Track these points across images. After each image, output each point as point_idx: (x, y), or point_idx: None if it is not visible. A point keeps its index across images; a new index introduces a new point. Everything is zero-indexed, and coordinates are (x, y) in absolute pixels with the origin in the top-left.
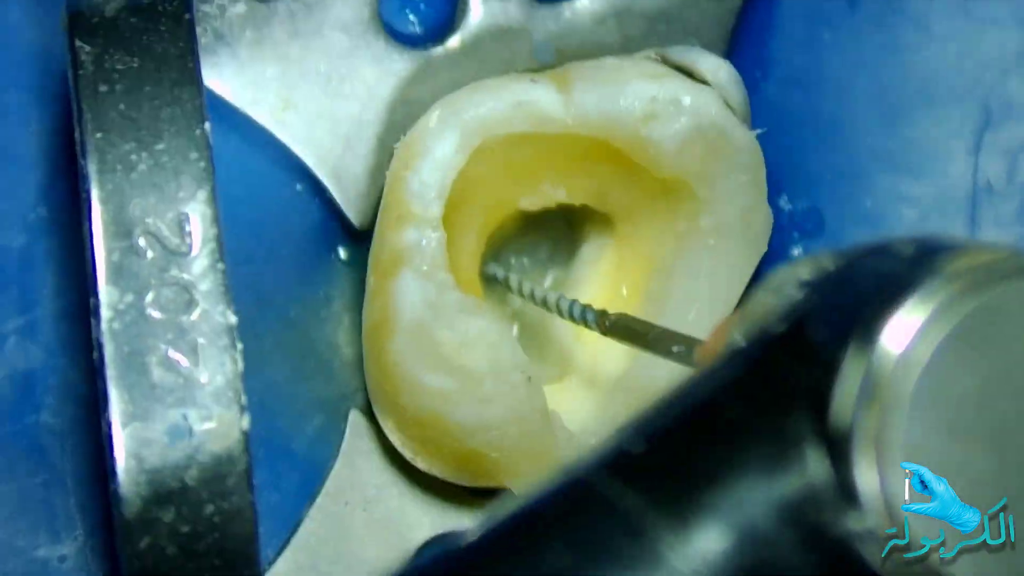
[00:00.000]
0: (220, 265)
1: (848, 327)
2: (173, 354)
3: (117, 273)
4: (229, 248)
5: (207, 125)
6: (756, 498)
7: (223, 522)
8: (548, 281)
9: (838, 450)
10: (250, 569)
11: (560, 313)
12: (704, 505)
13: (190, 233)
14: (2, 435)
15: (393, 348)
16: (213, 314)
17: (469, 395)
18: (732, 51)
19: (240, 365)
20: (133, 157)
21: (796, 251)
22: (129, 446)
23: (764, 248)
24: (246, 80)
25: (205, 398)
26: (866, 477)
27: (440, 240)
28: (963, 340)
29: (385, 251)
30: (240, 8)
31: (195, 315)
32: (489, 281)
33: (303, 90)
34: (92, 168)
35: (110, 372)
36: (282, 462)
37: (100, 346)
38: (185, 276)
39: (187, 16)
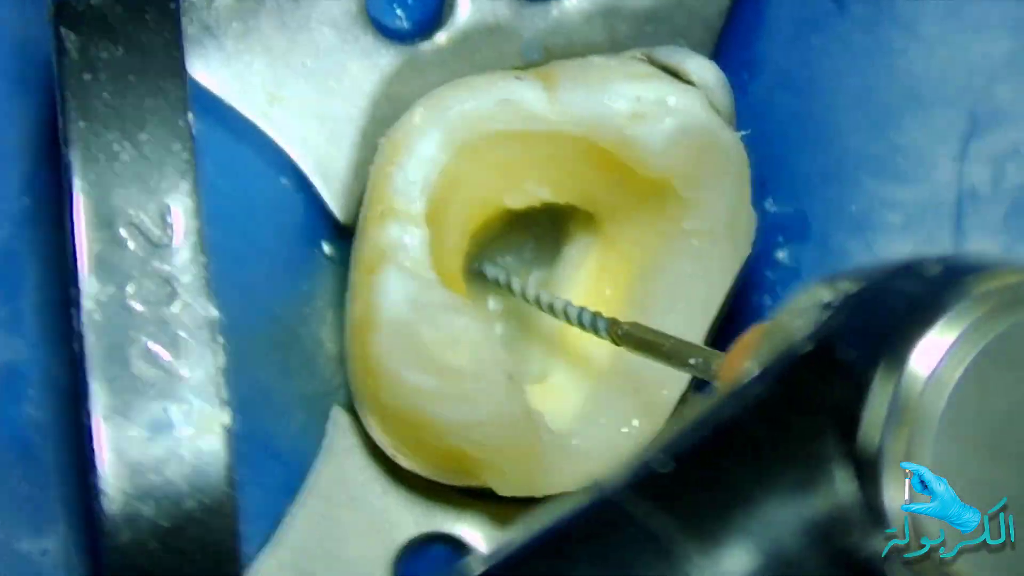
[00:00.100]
0: (202, 258)
1: (877, 348)
2: (154, 347)
3: (99, 264)
4: (213, 242)
5: (190, 116)
6: (783, 519)
7: (204, 517)
8: (531, 281)
9: (866, 471)
10: (231, 565)
11: (568, 320)
12: (731, 525)
13: (172, 225)
14: None
15: (375, 345)
16: (195, 307)
17: (451, 393)
18: (720, 53)
19: (222, 359)
20: (116, 147)
21: (781, 254)
22: (110, 440)
23: (748, 250)
24: (233, 73)
25: (186, 392)
26: (894, 498)
27: (423, 237)
28: (992, 361)
29: (368, 247)
30: (227, 0)
31: (177, 308)
32: (484, 281)
33: (290, 84)
34: (75, 157)
35: (91, 364)
36: (265, 458)
37: (81, 338)
38: (167, 268)
39: (173, 6)
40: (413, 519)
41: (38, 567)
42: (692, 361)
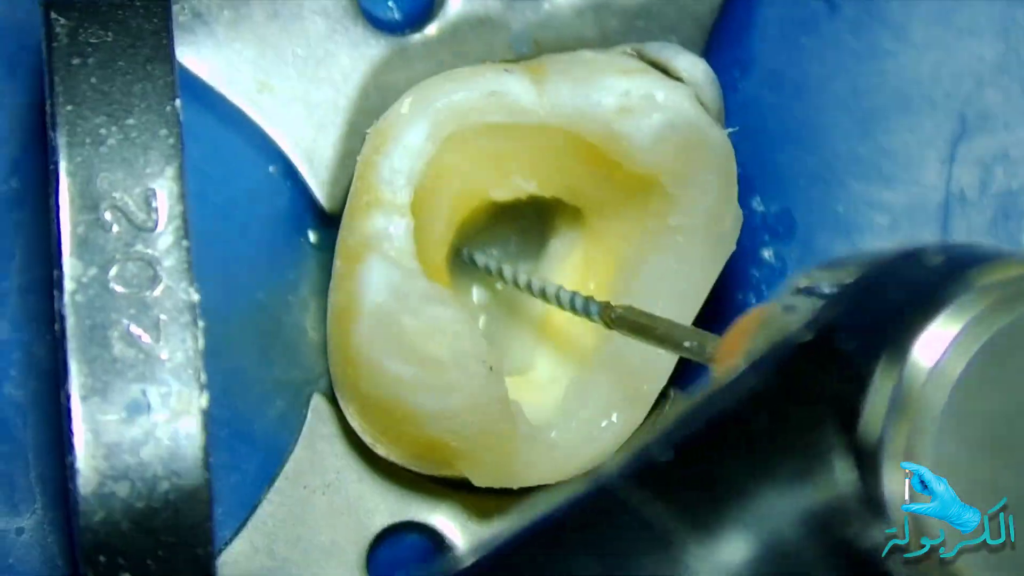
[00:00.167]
0: (185, 242)
1: (878, 338)
2: (135, 329)
3: (82, 246)
4: (198, 228)
5: (178, 102)
6: (782, 509)
7: (179, 500)
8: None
9: (867, 463)
10: (204, 548)
11: (560, 304)
12: (730, 515)
13: (157, 209)
14: None
15: (356, 333)
16: (176, 291)
17: (430, 383)
18: (710, 50)
19: (201, 343)
20: (103, 131)
21: (766, 253)
22: (87, 420)
23: (732, 248)
24: (223, 60)
25: (165, 375)
26: (894, 490)
27: (408, 227)
28: (995, 355)
29: (353, 236)
30: None
31: (158, 291)
32: (469, 272)
33: (279, 72)
34: (61, 140)
35: (71, 345)
36: (243, 444)
37: (62, 318)
38: (150, 252)
39: None
40: (388, 508)
41: (13, 546)
42: (687, 344)
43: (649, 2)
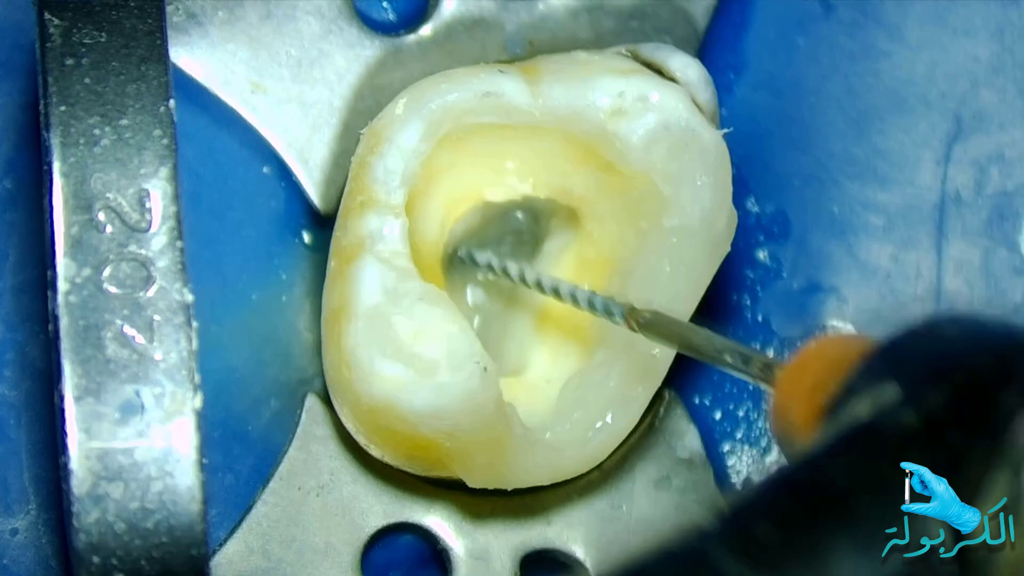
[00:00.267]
0: (179, 243)
1: (989, 442)
2: (128, 330)
3: (76, 246)
4: (193, 229)
5: (172, 102)
6: None
7: (171, 500)
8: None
9: (974, 568)
10: (197, 548)
11: (576, 303)
12: None
13: (150, 209)
14: None
15: (350, 333)
16: (170, 291)
17: (423, 383)
18: (705, 51)
19: (195, 344)
20: (96, 131)
21: (761, 254)
22: (81, 420)
23: (727, 249)
24: (217, 60)
25: (159, 375)
26: None
27: (402, 227)
28: None
29: (347, 236)
30: None
31: (152, 291)
32: (463, 273)
33: (273, 73)
34: (55, 141)
35: (64, 345)
36: (237, 444)
37: (56, 319)
38: (143, 252)
39: None
40: (382, 509)
41: (7, 547)
42: (728, 358)
43: (643, 3)
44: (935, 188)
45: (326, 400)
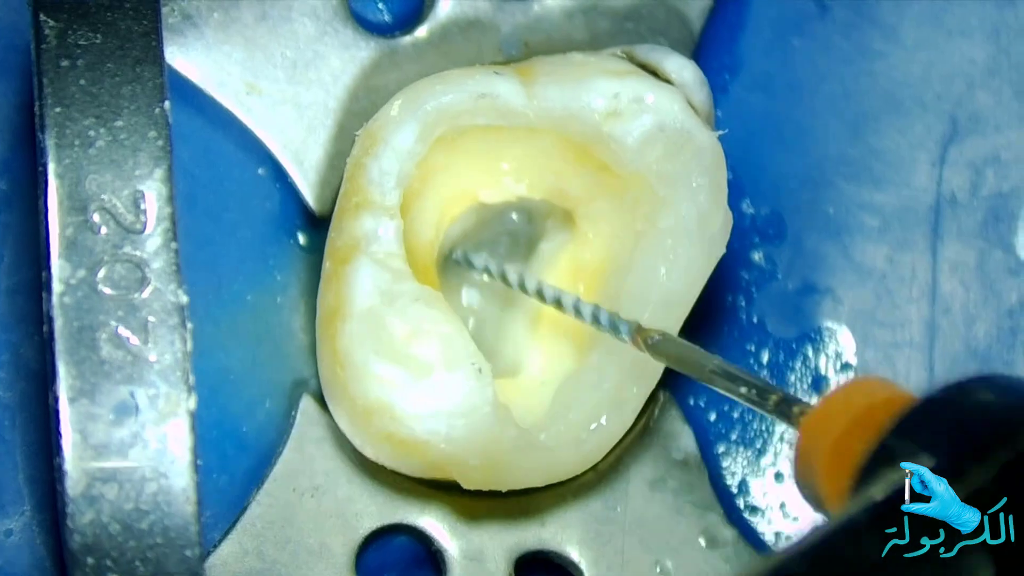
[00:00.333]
0: (174, 244)
1: None
2: (123, 331)
3: (70, 248)
4: (188, 230)
5: (167, 104)
6: None
7: (166, 501)
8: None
9: None
10: (191, 549)
11: (580, 317)
12: None
13: (145, 211)
14: None
15: (345, 334)
16: (164, 293)
17: (418, 385)
18: (701, 53)
19: (190, 345)
20: (91, 133)
21: (756, 255)
22: (75, 421)
23: (722, 251)
24: (212, 62)
25: (153, 377)
26: None
27: (397, 228)
28: None
29: (342, 237)
30: None
31: (146, 293)
32: (459, 275)
33: (269, 74)
34: (50, 142)
35: (59, 347)
36: (232, 445)
37: (50, 320)
38: (138, 253)
39: None
40: (377, 510)
41: (1, 547)
42: (743, 390)
43: (639, 4)
44: (930, 189)
45: (321, 401)
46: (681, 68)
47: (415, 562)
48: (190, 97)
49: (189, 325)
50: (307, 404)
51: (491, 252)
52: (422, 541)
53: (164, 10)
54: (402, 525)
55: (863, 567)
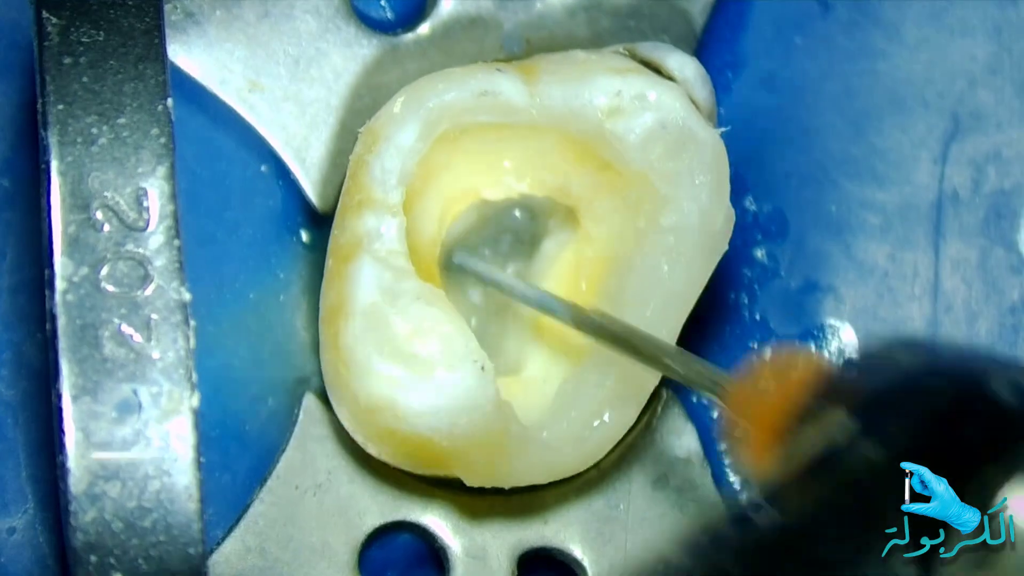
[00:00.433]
0: (176, 241)
1: (955, 484)
2: (126, 329)
3: (73, 245)
4: (191, 228)
5: (169, 101)
6: None
7: (169, 499)
8: (508, 273)
9: None
10: (194, 547)
11: (528, 303)
12: None
13: (148, 208)
14: None
15: (347, 332)
16: (167, 290)
17: (420, 382)
18: (703, 50)
19: (192, 342)
20: (94, 130)
21: (759, 253)
22: (78, 419)
23: (724, 248)
24: (214, 59)
25: (156, 374)
26: None
27: (400, 226)
28: None
29: (345, 235)
30: None
31: (149, 290)
32: (462, 272)
33: (271, 71)
34: (52, 140)
35: (62, 344)
36: (235, 443)
37: (53, 318)
38: (141, 251)
39: None
40: (380, 508)
41: (5, 546)
42: (667, 361)
43: (641, 2)
44: (932, 187)
45: (324, 399)
46: (683, 65)
47: (418, 560)
48: (192, 94)
49: (192, 323)
50: (310, 402)
51: (494, 250)
52: (425, 539)
53: (166, 7)
54: (405, 523)
55: (785, 527)
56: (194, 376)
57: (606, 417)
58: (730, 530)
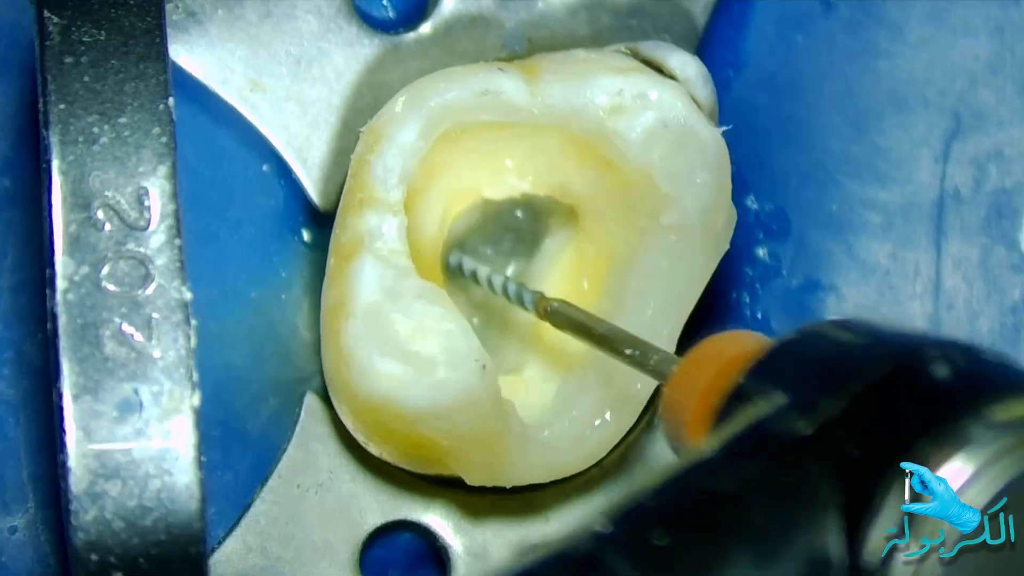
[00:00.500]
0: (177, 241)
1: (885, 456)
2: (127, 328)
3: (74, 244)
4: (192, 227)
5: (171, 100)
6: None
7: (170, 498)
8: (510, 272)
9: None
10: (195, 547)
11: (493, 290)
12: None
13: (149, 207)
14: None
15: (348, 331)
16: (168, 289)
17: (421, 381)
18: (704, 49)
19: (194, 342)
20: (95, 129)
21: (760, 251)
22: (79, 418)
23: (726, 247)
24: (216, 58)
25: (157, 373)
26: None
27: (401, 225)
28: (1012, 497)
29: (346, 234)
30: None
31: (150, 290)
32: (454, 270)
33: (272, 71)
34: (54, 139)
35: (63, 344)
36: (236, 442)
37: (54, 317)
38: (142, 250)
39: None
40: (381, 507)
41: (6, 545)
42: (628, 351)
43: (642, 1)
44: (934, 186)
45: (325, 398)
46: (685, 64)
47: (419, 559)
48: (194, 94)
49: (193, 322)
50: (311, 401)
51: (495, 249)
52: (426, 538)
53: (168, 7)
54: (406, 522)
55: (713, 498)
56: (195, 375)
57: (607, 416)
58: (656, 500)
